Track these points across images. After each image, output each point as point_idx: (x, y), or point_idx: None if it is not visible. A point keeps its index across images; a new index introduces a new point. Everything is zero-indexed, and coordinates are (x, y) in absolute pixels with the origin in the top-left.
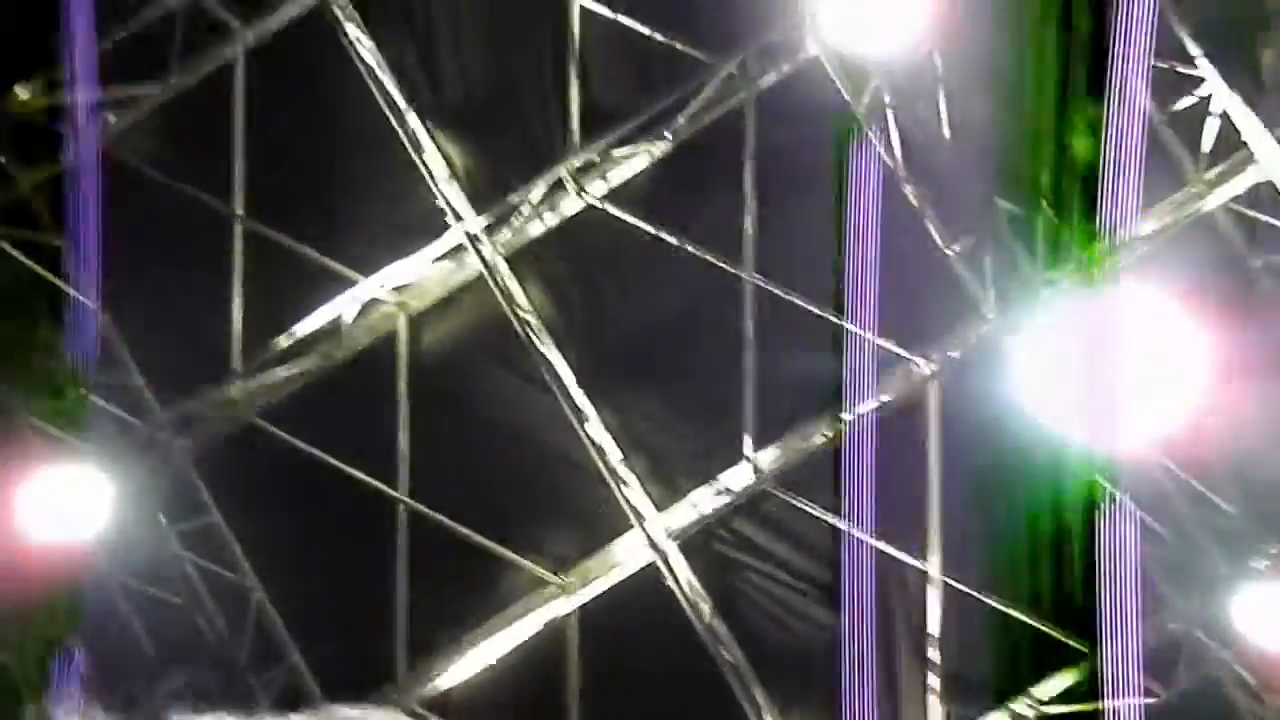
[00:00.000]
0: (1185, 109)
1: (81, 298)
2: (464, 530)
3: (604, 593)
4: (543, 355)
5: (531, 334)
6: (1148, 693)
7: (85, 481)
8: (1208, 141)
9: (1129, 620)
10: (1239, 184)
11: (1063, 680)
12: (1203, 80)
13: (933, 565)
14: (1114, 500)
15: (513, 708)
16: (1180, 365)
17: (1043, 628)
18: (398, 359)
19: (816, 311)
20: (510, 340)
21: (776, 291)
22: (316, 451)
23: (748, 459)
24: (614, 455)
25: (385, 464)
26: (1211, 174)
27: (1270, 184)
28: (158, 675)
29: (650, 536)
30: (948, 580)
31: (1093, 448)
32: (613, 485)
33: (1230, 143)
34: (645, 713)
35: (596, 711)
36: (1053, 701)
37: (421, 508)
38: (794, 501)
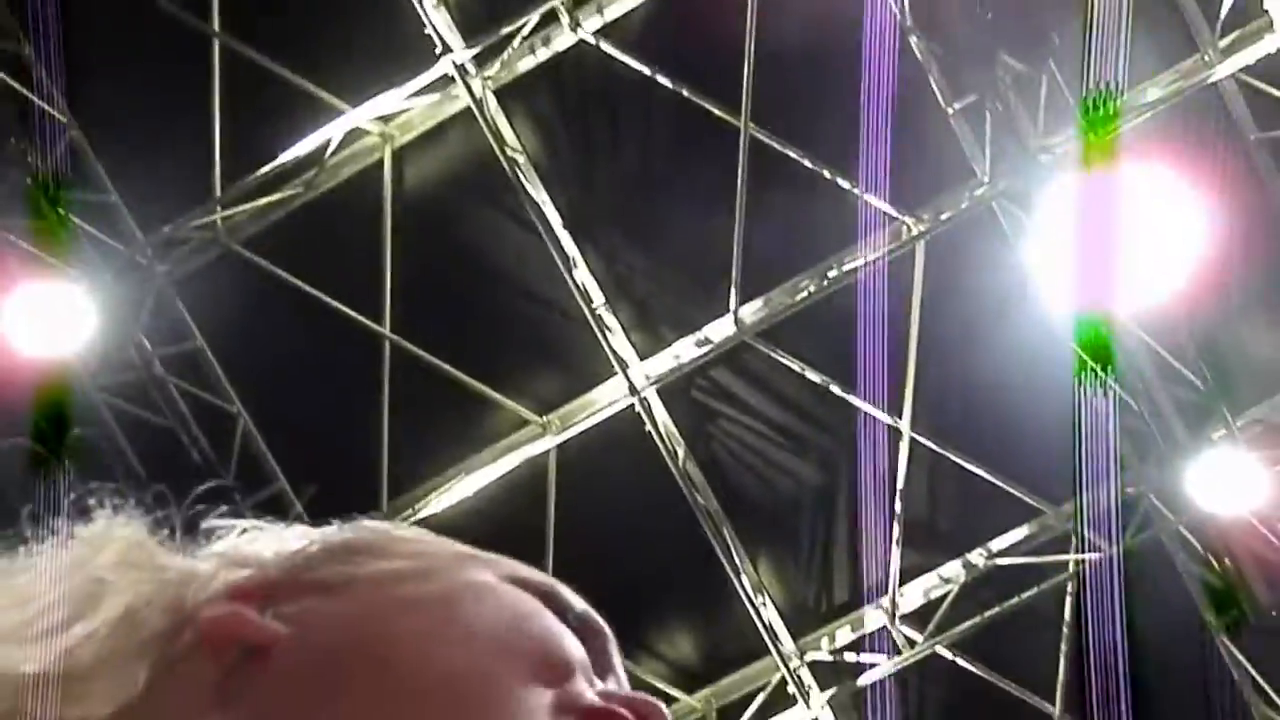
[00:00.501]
0: None
1: (52, 110)
2: (448, 368)
3: (584, 432)
4: (530, 196)
5: (519, 173)
6: (1094, 549)
7: (66, 300)
8: (1225, 5)
9: (1091, 481)
10: (1251, 53)
11: (1016, 534)
12: None
13: (904, 421)
14: (1092, 369)
15: (491, 538)
16: (1166, 237)
17: (1003, 484)
18: (383, 192)
19: (810, 165)
20: (497, 178)
21: (771, 142)
22: (297, 281)
23: (731, 311)
24: (599, 301)
25: (369, 297)
26: (1225, 41)
27: None
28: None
29: (631, 383)
30: (916, 436)
31: (1077, 315)
32: (597, 331)
33: (1249, 7)
34: (619, 545)
35: (572, 544)
36: (1003, 554)
37: (407, 344)
38: (773, 354)
